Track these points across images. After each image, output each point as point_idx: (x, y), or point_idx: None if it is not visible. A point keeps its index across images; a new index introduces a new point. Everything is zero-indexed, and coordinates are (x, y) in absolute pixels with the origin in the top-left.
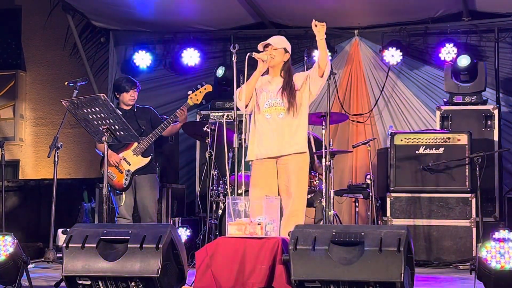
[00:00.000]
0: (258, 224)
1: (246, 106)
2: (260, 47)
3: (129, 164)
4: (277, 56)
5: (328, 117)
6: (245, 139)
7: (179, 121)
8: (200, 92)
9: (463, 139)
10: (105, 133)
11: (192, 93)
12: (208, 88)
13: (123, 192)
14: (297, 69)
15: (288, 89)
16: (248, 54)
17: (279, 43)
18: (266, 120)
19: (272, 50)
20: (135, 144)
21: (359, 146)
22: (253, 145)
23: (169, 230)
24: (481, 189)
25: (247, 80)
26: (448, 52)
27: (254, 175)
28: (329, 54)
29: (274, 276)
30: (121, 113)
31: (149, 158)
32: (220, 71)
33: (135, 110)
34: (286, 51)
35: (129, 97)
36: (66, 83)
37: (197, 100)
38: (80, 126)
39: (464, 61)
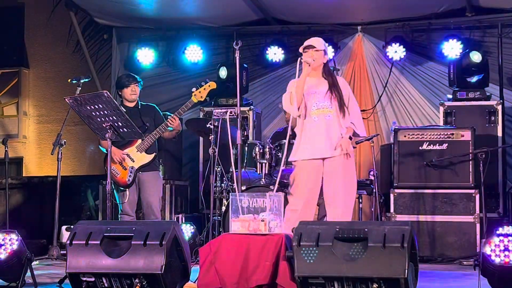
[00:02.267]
0: (261, 221)
1: (298, 108)
2: (301, 49)
3: (133, 161)
4: (318, 58)
5: None
6: (247, 135)
7: (173, 129)
8: (204, 89)
9: (466, 135)
10: (108, 130)
11: (196, 90)
12: (212, 85)
13: (127, 189)
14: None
15: (336, 91)
16: (299, 59)
17: (320, 45)
18: (314, 122)
19: (314, 52)
20: (139, 141)
21: (362, 142)
22: (299, 147)
23: (172, 227)
24: (484, 184)
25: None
26: (451, 47)
27: (298, 176)
28: (332, 50)
29: (277, 272)
30: (125, 110)
31: (153, 155)
32: (223, 72)
33: (139, 107)
34: (325, 53)
35: (130, 92)
36: (69, 80)
37: (201, 97)
38: (84, 123)
39: (476, 57)
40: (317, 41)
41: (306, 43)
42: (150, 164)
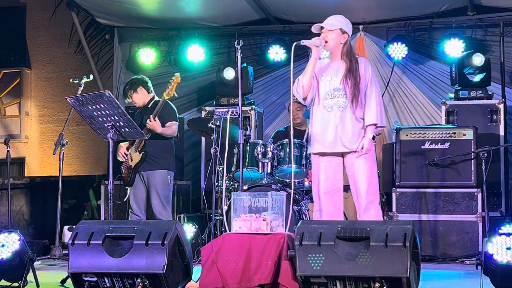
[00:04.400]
0: (263, 220)
1: (305, 98)
2: (314, 29)
3: (131, 160)
4: (333, 39)
5: None
6: (249, 135)
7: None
8: (171, 85)
9: (468, 133)
10: (110, 130)
11: (167, 88)
12: (177, 79)
13: (128, 188)
14: (300, 65)
15: (352, 77)
16: (295, 43)
17: (333, 24)
18: (328, 112)
19: (327, 32)
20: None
21: None
22: (315, 139)
23: (174, 227)
24: (487, 183)
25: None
26: (453, 46)
27: (317, 170)
28: None
29: (279, 271)
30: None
31: (141, 154)
32: (230, 75)
33: (149, 105)
34: (343, 31)
35: (132, 102)
36: (70, 80)
37: (170, 94)
38: (85, 123)
39: (478, 60)
40: (330, 20)
41: (318, 24)
42: (149, 162)
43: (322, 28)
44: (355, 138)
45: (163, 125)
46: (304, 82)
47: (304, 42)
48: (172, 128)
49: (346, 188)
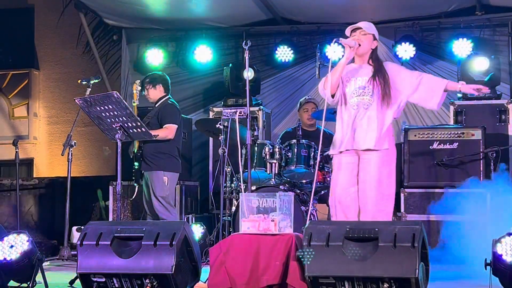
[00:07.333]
0: (271, 221)
1: (333, 96)
2: (348, 31)
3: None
4: (366, 42)
5: None
6: (257, 135)
7: None
8: (134, 93)
9: (477, 134)
10: (118, 131)
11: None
12: (134, 87)
13: (137, 186)
14: (308, 65)
15: (381, 76)
16: (334, 40)
17: (369, 28)
18: (353, 110)
19: (361, 35)
20: None
21: None
22: (338, 138)
23: (182, 227)
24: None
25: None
26: (461, 46)
27: (338, 170)
28: (342, 50)
29: (288, 272)
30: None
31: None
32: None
33: (156, 105)
34: (374, 38)
35: (147, 96)
36: (79, 81)
37: (136, 101)
38: (94, 124)
39: (481, 65)
40: (366, 24)
41: (355, 25)
42: (145, 163)
43: (355, 30)
44: (379, 137)
45: (161, 127)
46: (333, 80)
47: (341, 41)
48: (164, 132)
49: None
